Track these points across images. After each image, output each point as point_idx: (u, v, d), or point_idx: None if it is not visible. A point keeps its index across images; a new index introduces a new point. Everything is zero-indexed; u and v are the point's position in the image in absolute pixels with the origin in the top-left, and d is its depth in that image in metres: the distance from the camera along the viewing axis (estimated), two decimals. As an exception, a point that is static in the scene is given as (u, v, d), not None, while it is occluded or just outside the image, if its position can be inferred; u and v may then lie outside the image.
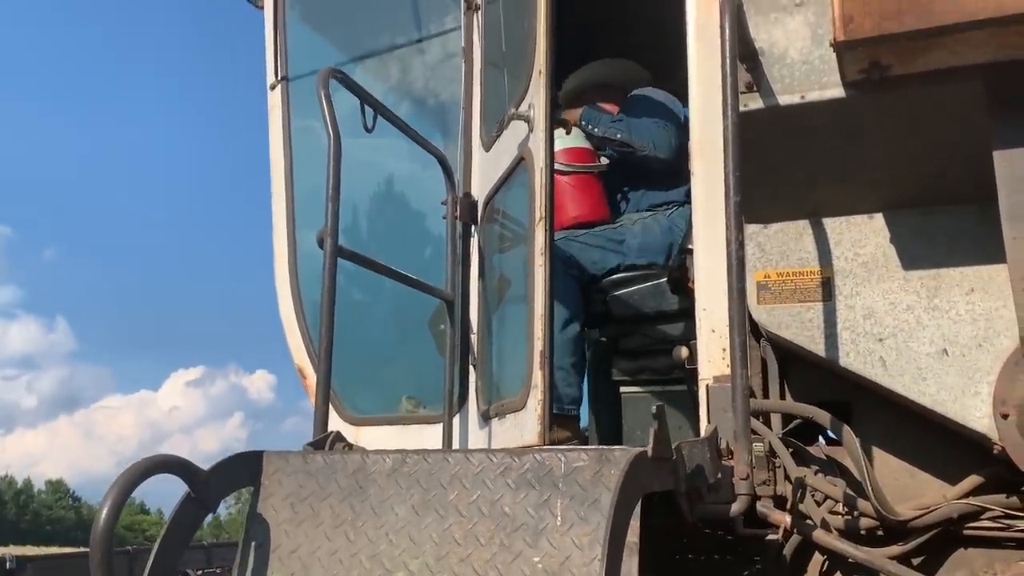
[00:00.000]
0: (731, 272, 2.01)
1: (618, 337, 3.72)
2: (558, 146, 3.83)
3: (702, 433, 2.44)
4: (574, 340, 3.51)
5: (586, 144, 3.99)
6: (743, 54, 2.23)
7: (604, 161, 4.03)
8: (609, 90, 4.28)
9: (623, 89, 4.28)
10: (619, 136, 3.82)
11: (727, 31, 2.10)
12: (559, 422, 3.16)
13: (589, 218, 3.85)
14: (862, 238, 2.47)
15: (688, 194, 2.82)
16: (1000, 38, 1.89)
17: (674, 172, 3.70)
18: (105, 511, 1.59)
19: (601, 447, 1.74)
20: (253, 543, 1.93)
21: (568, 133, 3.94)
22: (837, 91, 2.17)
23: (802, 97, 2.22)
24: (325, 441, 2.26)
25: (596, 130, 3.90)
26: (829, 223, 2.50)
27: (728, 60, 2.09)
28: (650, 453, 1.63)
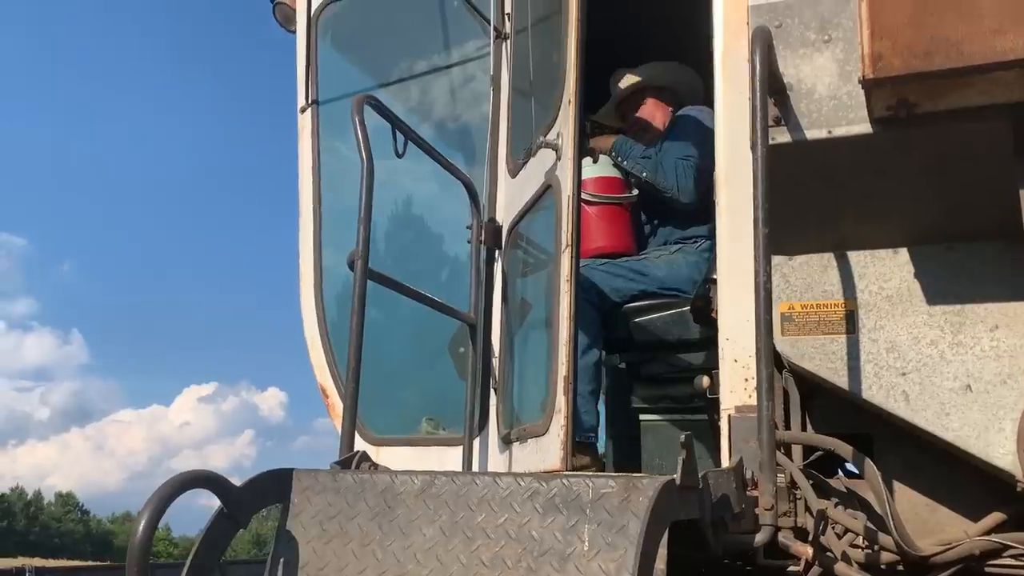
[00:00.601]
0: (758, 304, 2.03)
1: (639, 364, 3.73)
2: (588, 174, 3.84)
3: (723, 462, 2.45)
4: (593, 367, 3.50)
5: (617, 174, 3.98)
6: (771, 88, 2.26)
7: (635, 192, 4.01)
8: (665, 92, 4.28)
9: (677, 93, 4.28)
10: (644, 175, 3.82)
11: (757, 65, 2.14)
12: (577, 448, 3.17)
13: (613, 250, 3.83)
14: (887, 272, 2.49)
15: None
16: (1028, 79, 1.91)
17: (703, 207, 3.69)
18: (142, 525, 1.62)
19: (628, 474, 1.75)
20: (282, 560, 1.95)
21: (595, 161, 3.95)
22: (864, 127, 2.19)
23: (829, 132, 2.24)
24: (352, 460, 2.29)
25: (625, 163, 3.90)
26: (854, 256, 2.52)
27: (758, 94, 2.12)
28: (678, 482, 1.65)
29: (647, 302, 3.67)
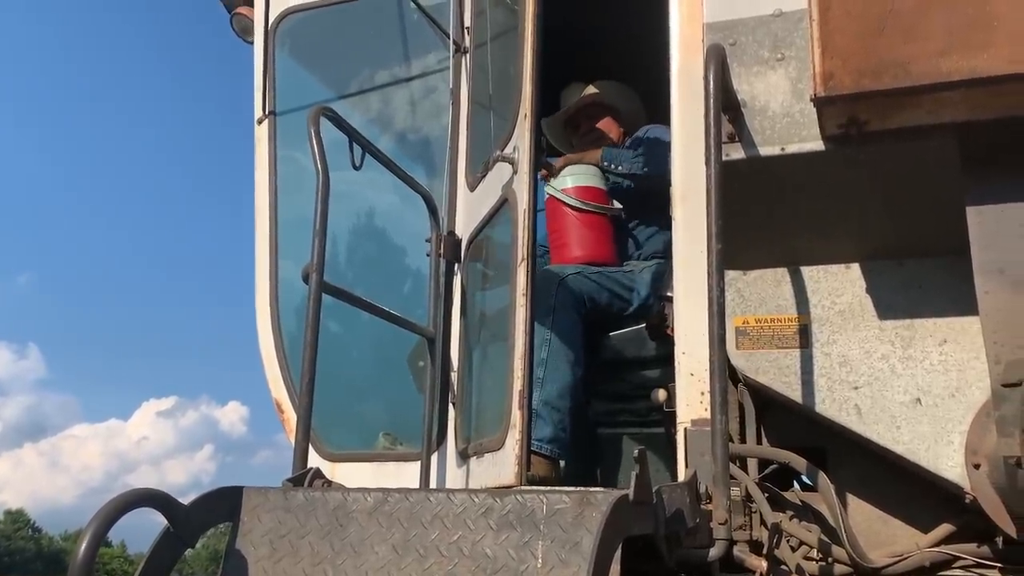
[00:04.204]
0: (712, 319, 2.04)
1: (596, 381, 3.70)
2: (573, 183, 3.82)
3: (680, 476, 2.46)
4: (577, 384, 3.37)
5: (601, 185, 3.92)
6: (726, 105, 2.29)
7: (618, 206, 3.96)
8: (618, 114, 4.28)
9: (624, 117, 4.28)
10: (645, 170, 3.76)
11: (711, 83, 2.16)
12: (540, 462, 3.15)
13: (593, 260, 3.75)
14: (839, 287, 2.52)
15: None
16: (973, 99, 1.96)
17: None
18: (85, 544, 1.58)
19: (583, 489, 1.75)
20: (230, 580, 1.91)
21: (553, 177, 3.92)
22: (816, 144, 2.23)
23: (782, 149, 2.28)
24: (304, 477, 2.25)
25: (620, 167, 3.84)
26: (807, 271, 2.55)
27: (712, 111, 2.14)
28: (632, 497, 1.65)
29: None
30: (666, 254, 3.71)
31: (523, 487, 2.48)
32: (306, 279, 2.62)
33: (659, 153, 3.66)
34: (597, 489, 1.76)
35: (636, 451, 1.67)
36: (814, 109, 2.12)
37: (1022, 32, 1.89)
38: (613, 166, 3.87)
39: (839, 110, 2.07)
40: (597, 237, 3.84)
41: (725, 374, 2.04)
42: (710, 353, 2.03)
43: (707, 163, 2.15)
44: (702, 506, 2.01)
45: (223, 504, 1.99)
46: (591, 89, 4.28)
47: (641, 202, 3.89)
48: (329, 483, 2.31)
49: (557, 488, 1.95)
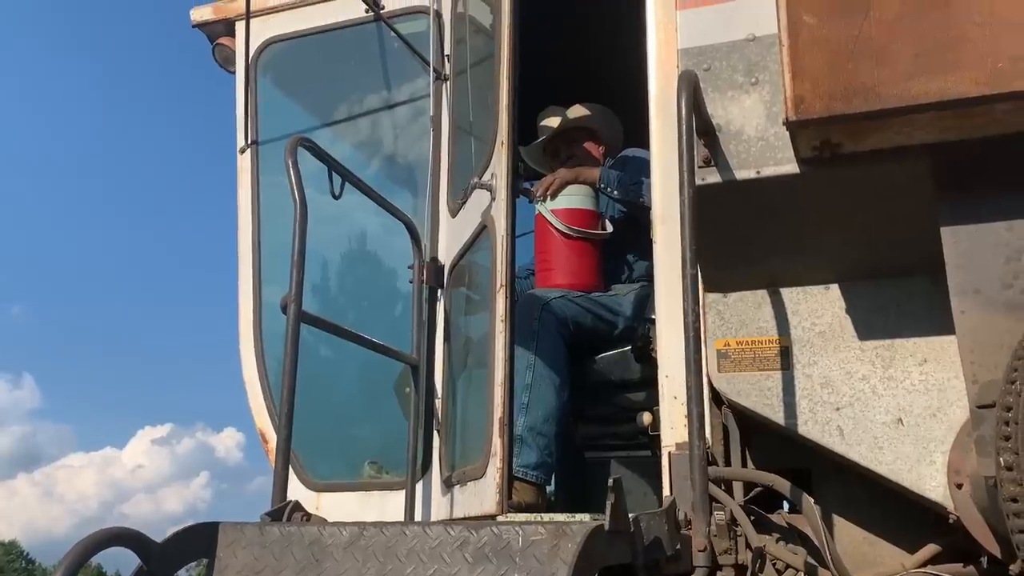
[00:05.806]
0: (688, 343, 2.04)
1: (582, 404, 3.69)
2: (563, 205, 3.80)
3: (664, 501, 2.45)
4: (563, 408, 3.36)
5: (593, 207, 3.88)
6: (701, 130, 2.30)
7: (609, 229, 3.91)
8: (598, 136, 4.27)
9: (605, 139, 4.28)
10: (640, 200, 3.72)
11: (683, 109, 2.17)
12: (526, 488, 3.13)
13: (576, 287, 3.71)
14: (819, 308, 2.52)
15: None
16: (943, 120, 1.97)
17: None
18: (53, 588, 1.56)
19: (560, 520, 1.74)
20: (206, 618, 1.89)
21: (535, 201, 3.91)
22: (791, 167, 2.23)
23: (758, 172, 2.28)
24: (283, 511, 2.23)
25: (616, 192, 3.82)
26: (787, 293, 2.56)
27: (685, 137, 2.15)
28: (607, 526, 1.63)
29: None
30: (651, 277, 3.70)
31: (500, 518, 2.46)
32: (284, 309, 2.60)
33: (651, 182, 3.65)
34: (575, 519, 1.75)
35: (611, 480, 1.66)
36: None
37: (990, 54, 1.90)
38: (610, 190, 3.84)
39: (812, 133, 2.08)
40: (583, 264, 3.80)
41: (703, 399, 2.04)
42: (687, 378, 2.02)
43: (681, 188, 2.15)
44: (684, 531, 1.99)
45: (198, 540, 1.97)
46: (580, 111, 4.27)
47: (631, 225, 3.89)
48: (308, 516, 2.29)
49: (534, 519, 1.94)
